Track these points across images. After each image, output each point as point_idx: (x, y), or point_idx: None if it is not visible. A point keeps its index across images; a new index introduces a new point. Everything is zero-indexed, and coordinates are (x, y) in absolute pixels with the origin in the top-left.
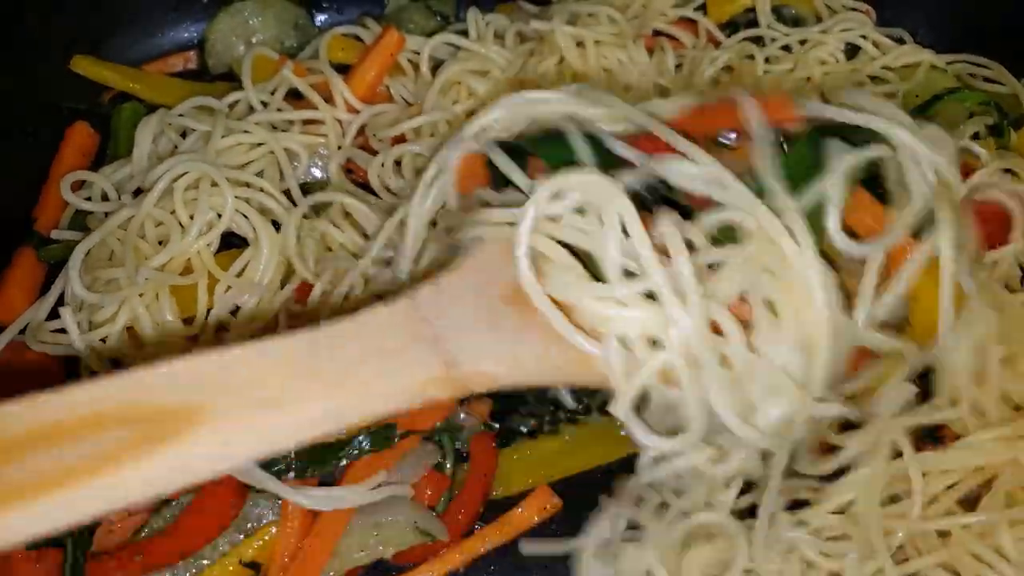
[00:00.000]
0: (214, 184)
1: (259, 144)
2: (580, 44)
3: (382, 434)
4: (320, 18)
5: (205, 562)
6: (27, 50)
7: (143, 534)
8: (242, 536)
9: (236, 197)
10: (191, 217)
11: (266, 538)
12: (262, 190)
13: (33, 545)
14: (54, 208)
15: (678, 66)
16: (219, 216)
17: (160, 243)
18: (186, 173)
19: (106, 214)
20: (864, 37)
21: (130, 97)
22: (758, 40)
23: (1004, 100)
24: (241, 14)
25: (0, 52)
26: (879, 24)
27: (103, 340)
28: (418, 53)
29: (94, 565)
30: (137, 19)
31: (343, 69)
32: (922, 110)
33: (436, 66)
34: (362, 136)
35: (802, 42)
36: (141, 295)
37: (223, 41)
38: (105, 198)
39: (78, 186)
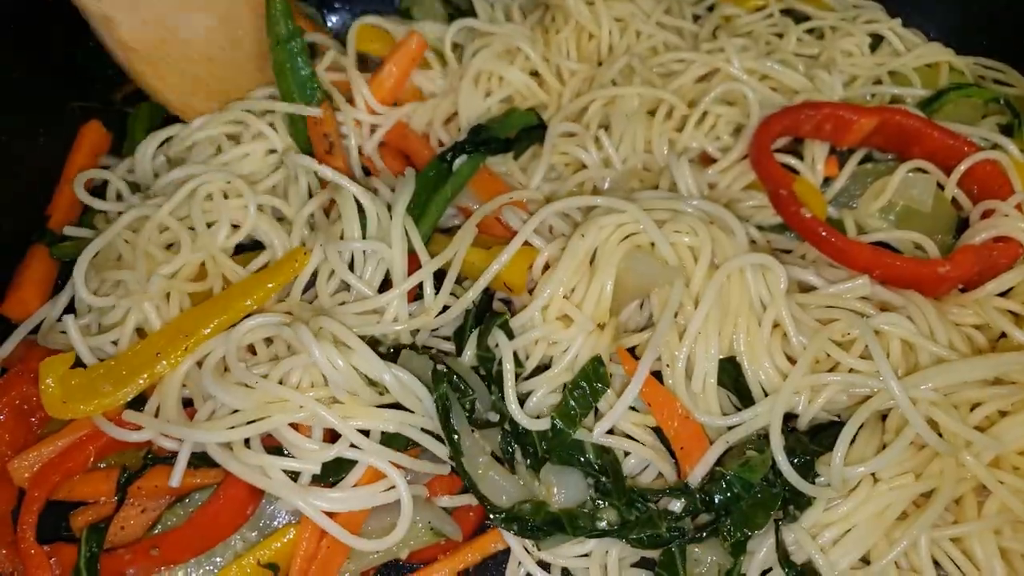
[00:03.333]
0: (227, 195)
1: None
2: (590, 2)
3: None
4: (332, 19)
5: (218, 559)
6: (39, 49)
7: (156, 530)
8: (255, 534)
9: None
10: (208, 225)
11: (284, 540)
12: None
13: (47, 540)
14: (67, 206)
15: (696, 17)
16: (235, 226)
17: (169, 247)
18: (209, 183)
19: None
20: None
21: (144, 96)
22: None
23: (1015, 101)
24: None
25: (13, 51)
26: None
27: (114, 343)
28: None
29: (108, 559)
30: None
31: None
32: (928, 104)
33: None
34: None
35: (832, 29)
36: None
37: None
38: (118, 197)
39: (89, 184)
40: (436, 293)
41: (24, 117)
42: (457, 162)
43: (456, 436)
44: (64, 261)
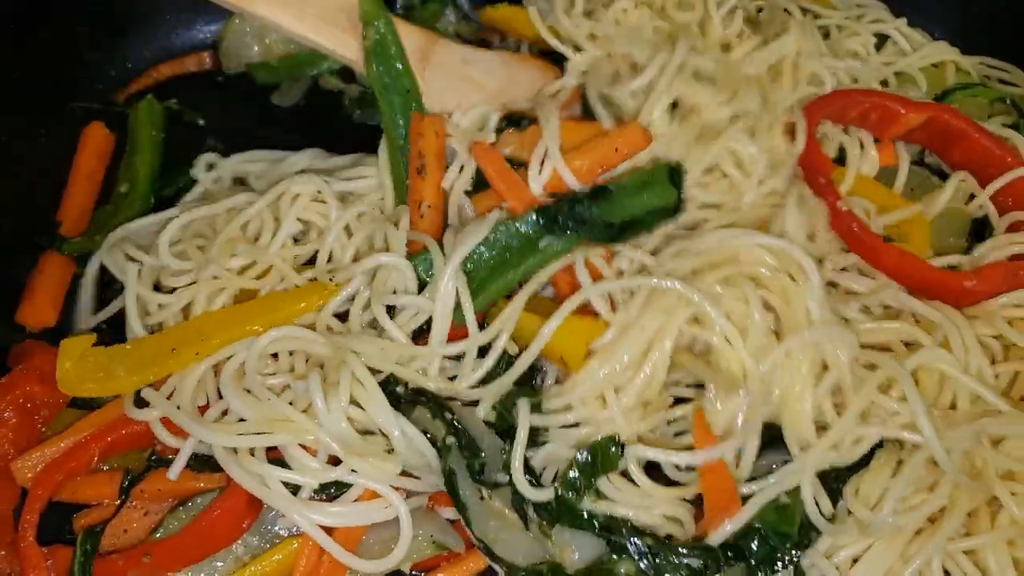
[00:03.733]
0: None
1: None
2: None
3: None
4: None
5: (219, 563)
6: (40, 51)
7: (158, 535)
8: (256, 539)
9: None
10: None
11: (286, 552)
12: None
13: (49, 542)
14: (77, 212)
15: None
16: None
17: (256, 239)
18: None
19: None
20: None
21: (144, 95)
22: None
23: (1020, 101)
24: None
25: (14, 53)
26: None
27: (160, 307)
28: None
29: (102, 563)
30: (151, 19)
31: None
32: None
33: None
34: None
35: (838, 28)
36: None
37: (237, 42)
38: None
39: (101, 180)
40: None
41: (25, 118)
42: (544, 242)
43: (466, 507)
44: (78, 265)
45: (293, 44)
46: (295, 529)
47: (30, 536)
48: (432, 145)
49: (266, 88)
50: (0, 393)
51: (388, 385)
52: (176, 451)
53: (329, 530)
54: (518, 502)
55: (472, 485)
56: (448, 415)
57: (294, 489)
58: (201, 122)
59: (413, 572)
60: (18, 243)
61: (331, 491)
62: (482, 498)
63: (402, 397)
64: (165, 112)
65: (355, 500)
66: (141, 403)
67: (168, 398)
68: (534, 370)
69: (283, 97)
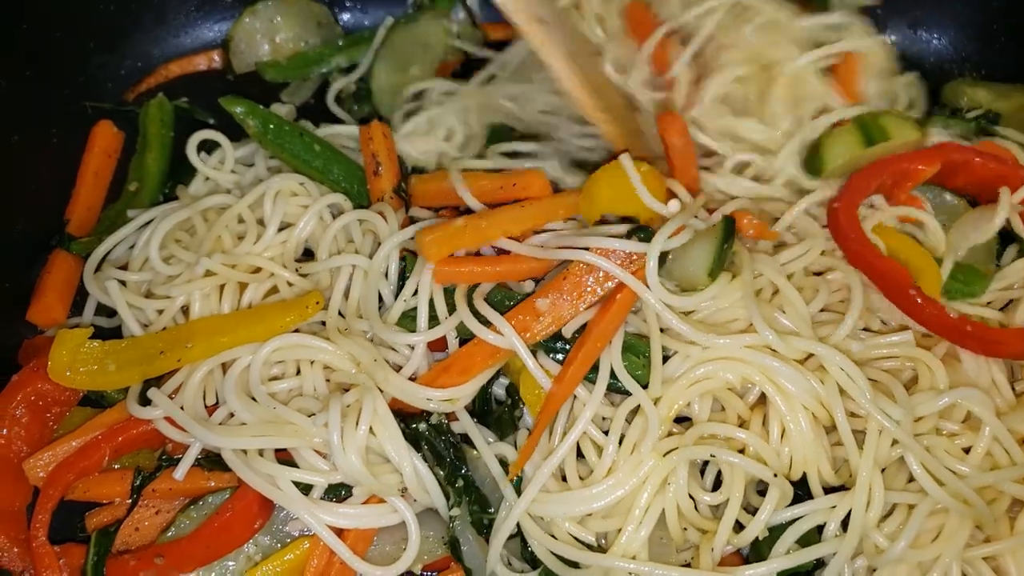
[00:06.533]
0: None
1: None
2: None
3: None
4: (344, 17)
5: (231, 563)
6: (49, 51)
7: (170, 534)
8: (268, 538)
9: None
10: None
11: (297, 552)
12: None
13: (62, 540)
14: (84, 209)
15: None
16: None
17: (240, 238)
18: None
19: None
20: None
21: (154, 94)
22: None
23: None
24: (265, 13)
25: (25, 53)
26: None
27: (159, 312)
28: None
29: (114, 563)
30: (161, 18)
31: None
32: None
33: None
34: None
35: None
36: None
37: (247, 40)
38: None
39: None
40: None
41: (36, 117)
42: None
43: (471, 572)
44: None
45: (303, 42)
46: (306, 529)
47: (42, 535)
48: (383, 147)
49: (275, 86)
50: (12, 391)
51: (412, 421)
52: (188, 448)
53: (340, 531)
54: (526, 552)
55: (476, 548)
56: (462, 470)
57: (305, 489)
58: (211, 120)
59: (424, 572)
60: (29, 242)
61: (340, 492)
62: (486, 561)
63: (422, 436)
64: (175, 110)
65: (365, 502)
66: (146, 400)
67: (175, 393)
68: (514, 405)
69: (292, 95)
